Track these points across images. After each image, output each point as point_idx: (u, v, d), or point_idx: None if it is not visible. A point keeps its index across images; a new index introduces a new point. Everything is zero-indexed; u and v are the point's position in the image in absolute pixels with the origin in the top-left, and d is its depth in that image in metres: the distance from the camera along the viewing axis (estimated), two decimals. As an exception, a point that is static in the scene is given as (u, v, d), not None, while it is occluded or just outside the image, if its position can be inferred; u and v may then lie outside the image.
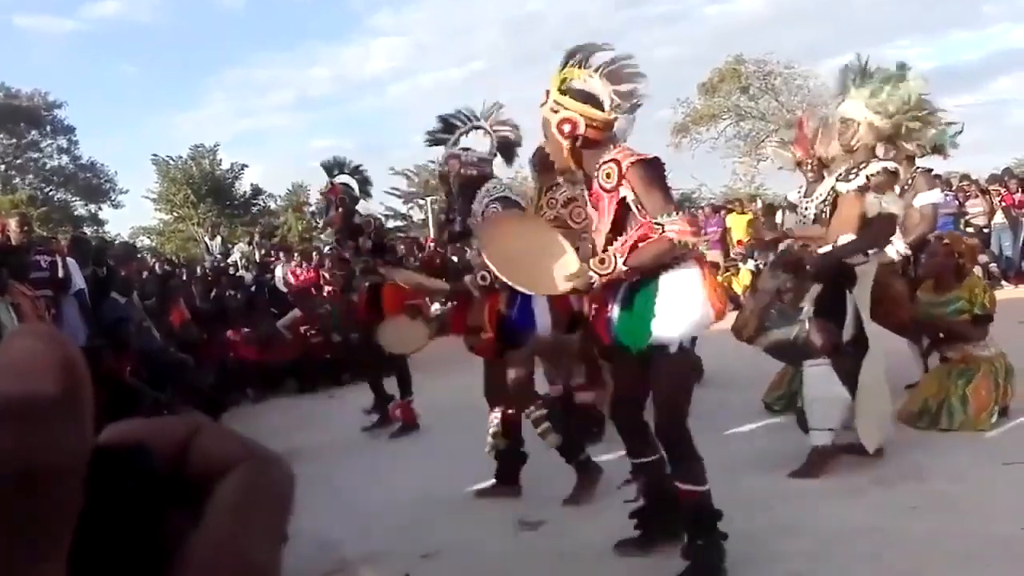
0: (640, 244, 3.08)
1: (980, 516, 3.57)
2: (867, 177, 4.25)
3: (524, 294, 3.91)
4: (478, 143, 4.61)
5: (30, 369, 0.28)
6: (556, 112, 3.23)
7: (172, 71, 47.02)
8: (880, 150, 4.46)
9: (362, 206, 6.56)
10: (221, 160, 30.97)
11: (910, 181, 5.47)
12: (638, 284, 3.22)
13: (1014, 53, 43.17)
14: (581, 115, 3.18)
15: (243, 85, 48.60)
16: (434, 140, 4.66)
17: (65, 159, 31.63)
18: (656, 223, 3.03)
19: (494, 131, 4.56)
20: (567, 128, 3.20)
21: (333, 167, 6.40)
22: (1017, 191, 14.08)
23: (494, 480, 4.65)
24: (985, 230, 13.53)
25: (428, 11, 49.54)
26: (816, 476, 4.22)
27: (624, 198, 3.13)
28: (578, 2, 47.48)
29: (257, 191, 31.83)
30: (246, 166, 31.54)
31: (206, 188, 29.70)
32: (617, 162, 3.16)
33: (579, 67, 3.22)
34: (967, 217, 13.65)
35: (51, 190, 31.39)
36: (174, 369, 7.72)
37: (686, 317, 3.15)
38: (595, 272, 3.11)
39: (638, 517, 3.52)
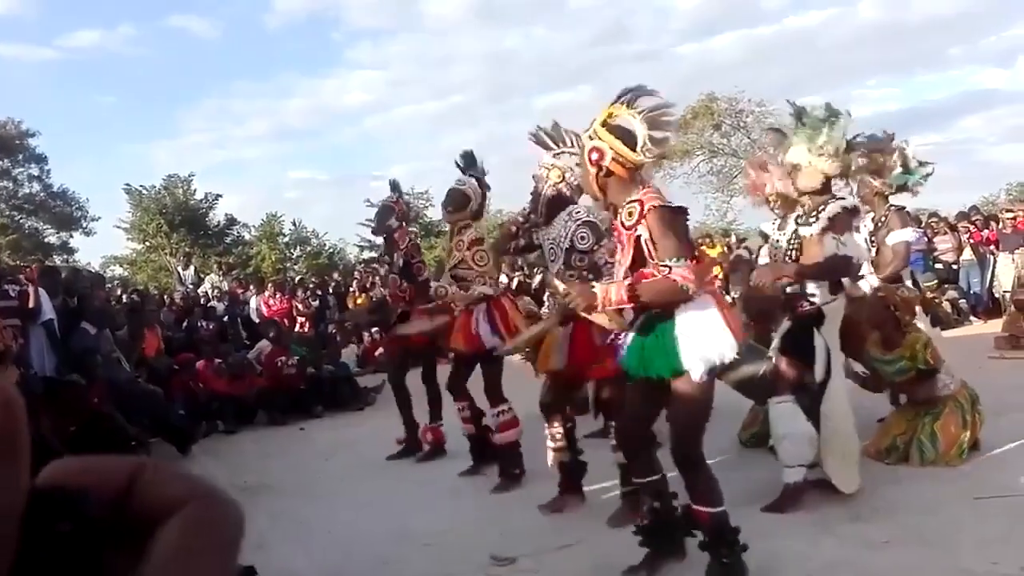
0: (644, 280, 3.27)
1: (951, 551, 3.58)
2: (828, 219, 4.34)
3: None
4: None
5: None
6: (591, 140, 3.47)
7: (148, 101, 46.65)
8: (844, 187, 4.57)
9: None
10: (195, 190, 30.81)
11: (884, 218, 5.53)
12: (656, 318, 3.38)
13: (980, 94, 44.28)
14: (611, 148, 3.40)
15: (220, 116, 48.46)
16: (537, 141, 4.76)
17: (37, 187, 31.31)
18: (663, 264, 3.22)
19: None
20: (594, 156, 3.45)
21: (396, 187, 6.59)
22: (984, 228, 14.31)
23: (559, 492, 4.75)
24: (954, 266, 13.71)
25: (406, 45, 49.77)
26: (787, 511, 4.23)
27: (639, 236, 3.32)
28: (553, 39, 47.95)
29: (232, 221, 31.64)
30: (220, 196, 31.34)
31: (179, 218, 29.47)
32: (641, 203, 3.36)
33: (626, 106, 3.43)
34: (936, 254, 13.81)
35: (22, 218, 31.03)
36: (143, 400, 7.60)
37: (712, 346, 3.29)
38: (599, 284, 3.35)
39: (644, 535, 3.62)
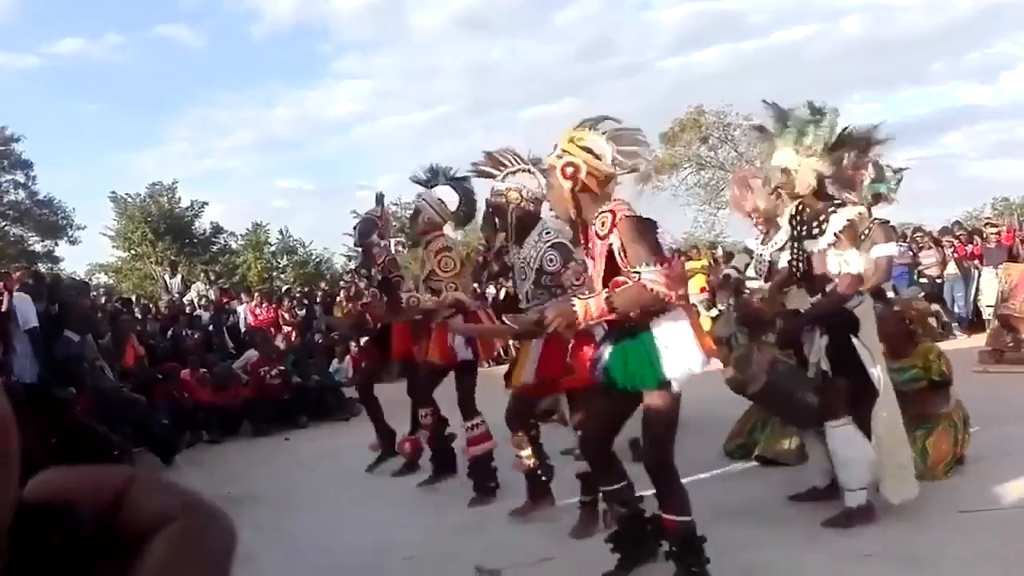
0: (617, 288, 3.31)
1: (937, 564, 3.60)
2: (835, 235, 4.17)
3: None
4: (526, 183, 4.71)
5: None
6: (561, 157, 3.51)
7: (133, 109, 46.29)
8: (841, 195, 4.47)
9: None
10: (180, 198, 30.67)
11: (867, 231, 5.52)
12: (631, 330, 3.41)
13: (963, 110, 44.45)
14: (585, 162, 3.46)
15: (206, 125, 48.15)
16: (480, 173, 4.84)
17: (22, 194, 31.06)
18: (634, 271, 3.25)
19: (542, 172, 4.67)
20: (569, 170, 3.48)
21: (380, 200, 6.57)
22: (968, 243, 14.42)
23: (527, 498, 4.84)
24: (938, 280, 13.80)
25: (393, 56, 49.68)
26: (852, 527, 4.10)
27: (611, 245, 3.37)
28: (539, 52, 47.91)
29: (217, 229, 31.50)
30: (206, 203, 31.21)
31: (164, 226, 29.34)
32: (612, 212, 3.42)
33: (589, 129, 3.52)
34: (920, 268, 13.92)
35: (6, 225, 30.78)
36: (127, 409, 7.55)
37: (685, 358, 3.34)
38: (577, 299, 3.38)
39: (615, 542, 3.66)
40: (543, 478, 4.84)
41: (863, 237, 5.44)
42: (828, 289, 4.22)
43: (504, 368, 5.33)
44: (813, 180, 4.25)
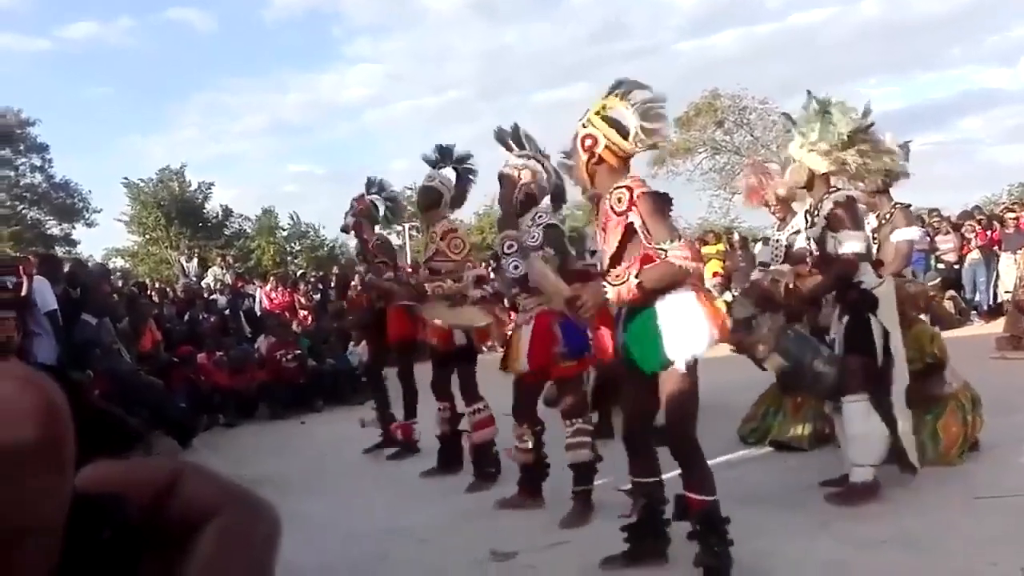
0: (645, 266, 3.34)
1: (951, 551, 3.59)
2: (825, 219, 4.35)
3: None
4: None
5: (7, 417, 0.27)
6: (584, 128, 3.56)
7: (145, 94, 46.63)
8: (840, 182, 4.54)
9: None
10: (189, 181, 30.71)
11: (889, 215, 5.48)
12: (638, 309, 3.44)
13: (981, 93, 44.00)
14: (604, 136, 3.50)
15: (216, 109, 48.27)
16: (501, 139, 4.84)
17: (39, 177, 31.21)
18: (660, 248, 3.29)
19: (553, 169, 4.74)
20: (588, 143, 3.54)
21: (371, 185, 6.56)
22: (988, 228, 14.25)
23: (517, 491, 4.83)
24: (955, 266, 13.67)
25: (404, 40, 49.72)
26: (856, 506, 4.18)
27: (632, 223, 3.40)
28: (551, 35, 47.84)
29: (227, 212, 31.57)
30: (212, 184, 31.17)
31: (176, 210, 29.43)
32: (629, 189, 3.44)
33: (620, 98, 3.53)
34: (937, 253, 13.78)
35: (24, 209, 30.95)
36: (144, 392, 7.60)
37: (692, 336, 3.34)
38: (608, 284, 3.39)
39: (629, 532, 3.65)
40: (538, 476, 4.82)
41: (884, 221, 5.43)
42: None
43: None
44: (801, 178, 4.47)
